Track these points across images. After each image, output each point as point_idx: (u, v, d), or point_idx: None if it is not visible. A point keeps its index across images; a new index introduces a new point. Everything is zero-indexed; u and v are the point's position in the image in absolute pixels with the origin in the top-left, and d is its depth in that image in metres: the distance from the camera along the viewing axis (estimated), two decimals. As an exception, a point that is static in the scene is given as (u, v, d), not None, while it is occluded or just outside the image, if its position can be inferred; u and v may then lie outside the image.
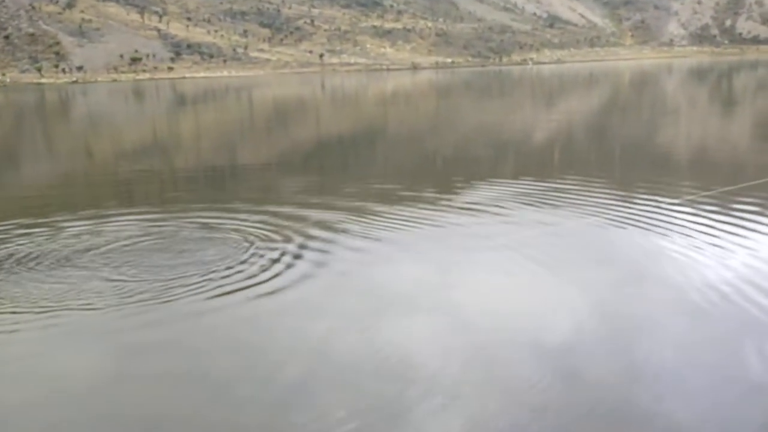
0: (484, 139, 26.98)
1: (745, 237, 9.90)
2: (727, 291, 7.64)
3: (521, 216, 11.81)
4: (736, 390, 5.63)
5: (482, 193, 13.97)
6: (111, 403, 5.80)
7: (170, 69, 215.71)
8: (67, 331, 7.26)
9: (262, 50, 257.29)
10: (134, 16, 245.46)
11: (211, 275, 8.64)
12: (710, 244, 9.57)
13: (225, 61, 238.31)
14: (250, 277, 8.56)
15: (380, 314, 7.47)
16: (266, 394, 5.86)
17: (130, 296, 7.97)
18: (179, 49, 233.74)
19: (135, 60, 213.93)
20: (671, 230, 10.39)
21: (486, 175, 16.65)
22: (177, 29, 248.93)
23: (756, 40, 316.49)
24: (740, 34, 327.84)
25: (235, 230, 11.02)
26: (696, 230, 10.27)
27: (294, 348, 6.70)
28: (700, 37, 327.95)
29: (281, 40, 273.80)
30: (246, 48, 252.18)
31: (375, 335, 6.93)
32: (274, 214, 12.08)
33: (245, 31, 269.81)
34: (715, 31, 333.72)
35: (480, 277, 8.73)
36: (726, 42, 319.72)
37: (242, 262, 9.18)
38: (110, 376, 6.34)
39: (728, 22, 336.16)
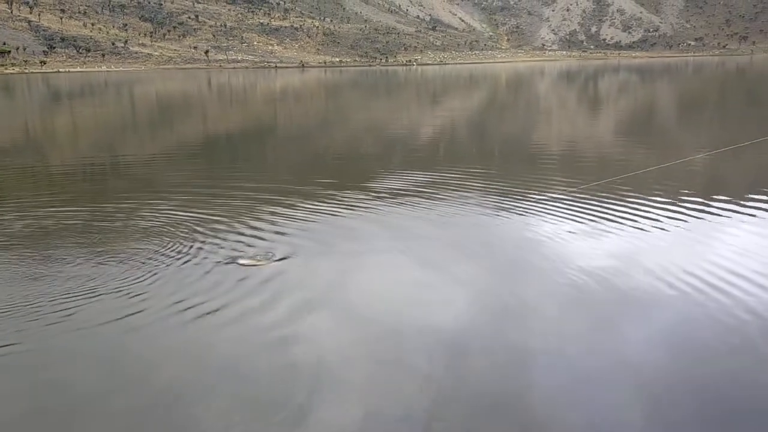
0: (373, 136, 27.65)
1: (618, 223, 10.59)
2: (603, 275, 8.17)
3: (408, 209, 12.05)
4: (616, 370, 5.95)
5: (373, 188, 14.10)
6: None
7: (43, 63, 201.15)
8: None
9: (143, 45, 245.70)
10: (1, 6, 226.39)
11: (84, 278, 8.22)
12: (585, 230, 10.21)
13: (103, 55, 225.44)
14: (136, 279, 8.19)
15: (271, 311, 7.27)
16: (138, 403, 5.58)
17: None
18: (52, 43, 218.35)
19: (3, 53, 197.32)
20: (548, 218, 11.01)
21: (375, 171, 16.96)
22: (50, 21, 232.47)
23: (618, 46, 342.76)
24: (604, 39, 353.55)
25: (116, 229, 10.74)
26: (571, 218, 10.97)
27: (177, 352, 6.44)
28: (569, 42, 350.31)
29: (164, 35, 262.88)
30: (126, 42, 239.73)
31: (267, 334, 6.76)
32: (157, 215, 11.64)
33: (125, 25, 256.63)
34: (582, 37, 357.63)
35: (370, 272, 8.73)
36: (592, 47, 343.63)
37: (123, 262, 8.83)
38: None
39: (594, 29, 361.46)
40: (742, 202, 11.87)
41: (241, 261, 8.90)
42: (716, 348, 6.40)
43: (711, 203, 11.93)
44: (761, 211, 11.38)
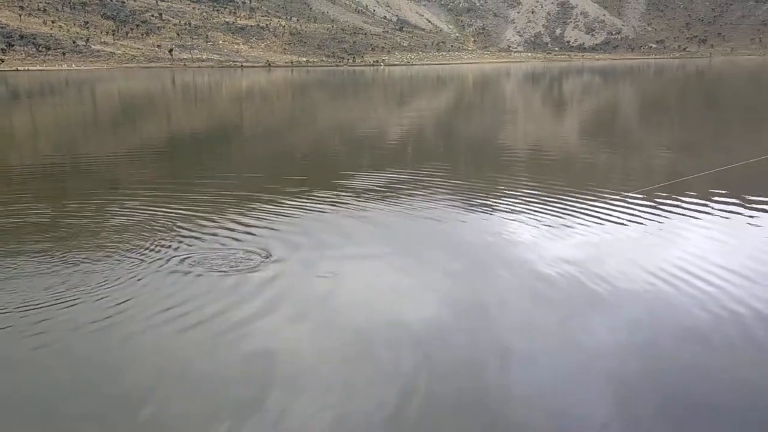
0: (341, 136, 27.61)
1: (587, 221, 10.73)
2: (572, 272, 8.28)
3: (380, 208, 12.01)
4: (585, 366, 6.05)
5: (342, 187, 14.05)
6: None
7: (0, 61, 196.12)
8: None
9: (105, 43, 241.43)
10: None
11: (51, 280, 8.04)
12: (555, 228, 10.32)
13: (64, 53, 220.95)
14: (102, 283, 7.99)
15: (244, 315, 7.17)
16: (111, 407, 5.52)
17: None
18: (11, 40, 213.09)
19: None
20: (518, 216, 11.12)
21: (344, 171, 16.91)
22: (8, 18, 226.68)
23: (582, 48, 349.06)
24: (568, 42, 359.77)
25: (84, 227, 10.61)
26: (541, 216, 11.09)
27: (146, 355, 6.35)
28: (534, 44, 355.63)
29: (127, 33, 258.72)
30: (87, 40, 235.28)
31: (238, 337, 6.67)
32: (124, 214, 11.43)
33: (86, 23, 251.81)
34: (547, 39, 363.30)
35: (342, 273, 8.62)
36: (556, 49, 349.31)
37: (95, 261, 8.72)
38: None
39: (558, 31, 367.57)
40: (711, 203, 12.11)
41: (213, 267, 8.76)
42: (683, 344, 6.52)
43: (680, 203, 12.11)
44: (729, 212, 11.64)
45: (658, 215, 11.27)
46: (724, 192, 12.79)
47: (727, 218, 11.12)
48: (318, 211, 11.96)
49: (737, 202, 12.13)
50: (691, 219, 11.04)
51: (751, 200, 12.23)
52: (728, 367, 6.09)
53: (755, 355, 6.28)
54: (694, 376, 5.94)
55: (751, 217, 11.20)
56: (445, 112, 42.52)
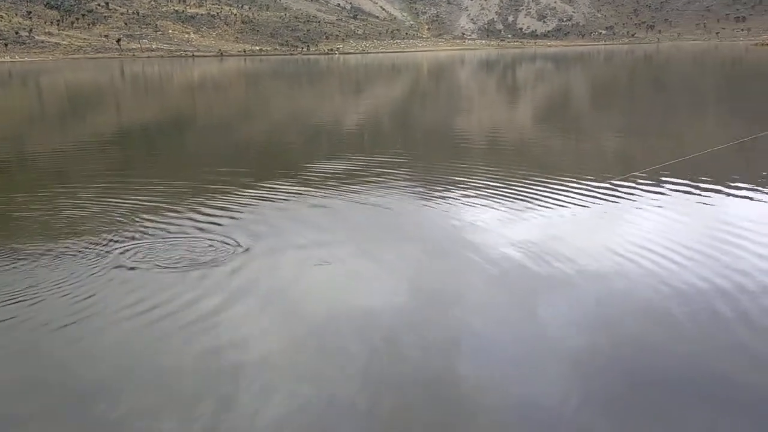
0: (298, 126, 27.30)
1: (542, 208, 10.82)
2: (529, 259, 8.36)
3: (339, 198, 11.98)
4: (543, 350, 6.13)
5: (300, 177, 13.88)
6: None
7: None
8: None
9: (50, 34, 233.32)
10: None
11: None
12: (510, 216, 10.38)
13: (6, 45, 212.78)
14: (63, 280, 7.76)
15: (203, 308, 7.04)
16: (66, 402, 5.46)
17: None
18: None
19: None
20: (475, 205, 11.17)
21: (302, 160, 16.73)
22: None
23: (534, 35, 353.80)
24: (521, 29, 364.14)
25: (37, 219, 10.44)
26: (497, 205, 11.14)
27: (112, 354, 6.17)
28: (488, 32, 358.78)
29: (72, 23, 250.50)
30: (31, 31, 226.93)
31: (203, 330, 6.58)
32: (78, 207, 11.20)
33: (29, 13, 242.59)
34: (500, 26, 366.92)
35: (301, 263, 8.54)
36: (509, 36, 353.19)
37: (58, 256, 8.56)
38: None
39: (510, 18, 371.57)
40: (660, 185, 12.40)
41: (175, 259, 8.64)
42: (645, 322, 6.68)
43: (637, 188, 12.31)
44: (683, 196, 11.95)
45: (616, 199, 11.49)
46: (678, 179, 13.05)
47: (683, 202, 11.39)
48: (278, 200, 11.88)
49: (691, 187, 12.41)
50: (649, 202, 11.25)
51: (703, 186, 12.52)
52: (689, 343, 6.23)
53: (715, 329, 6.47)
54: (655, 353, 6.08)
55: (703, 200, 11.53)
56: (401, 100, 42.57)
